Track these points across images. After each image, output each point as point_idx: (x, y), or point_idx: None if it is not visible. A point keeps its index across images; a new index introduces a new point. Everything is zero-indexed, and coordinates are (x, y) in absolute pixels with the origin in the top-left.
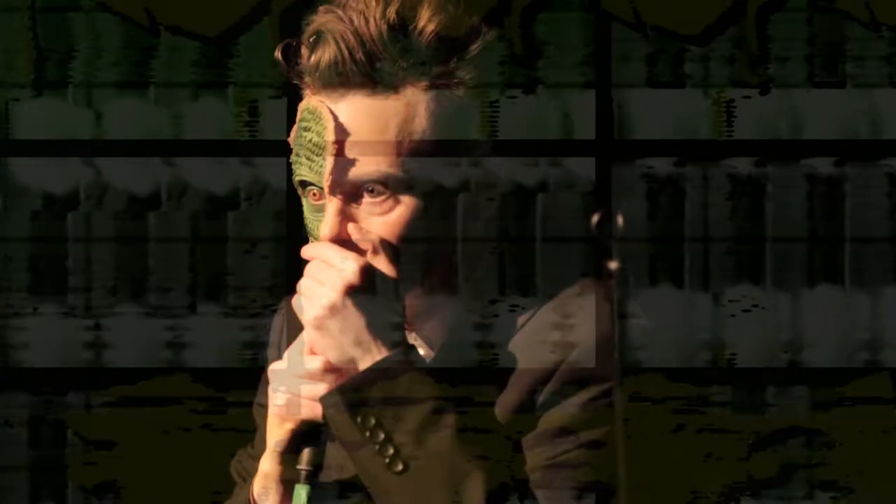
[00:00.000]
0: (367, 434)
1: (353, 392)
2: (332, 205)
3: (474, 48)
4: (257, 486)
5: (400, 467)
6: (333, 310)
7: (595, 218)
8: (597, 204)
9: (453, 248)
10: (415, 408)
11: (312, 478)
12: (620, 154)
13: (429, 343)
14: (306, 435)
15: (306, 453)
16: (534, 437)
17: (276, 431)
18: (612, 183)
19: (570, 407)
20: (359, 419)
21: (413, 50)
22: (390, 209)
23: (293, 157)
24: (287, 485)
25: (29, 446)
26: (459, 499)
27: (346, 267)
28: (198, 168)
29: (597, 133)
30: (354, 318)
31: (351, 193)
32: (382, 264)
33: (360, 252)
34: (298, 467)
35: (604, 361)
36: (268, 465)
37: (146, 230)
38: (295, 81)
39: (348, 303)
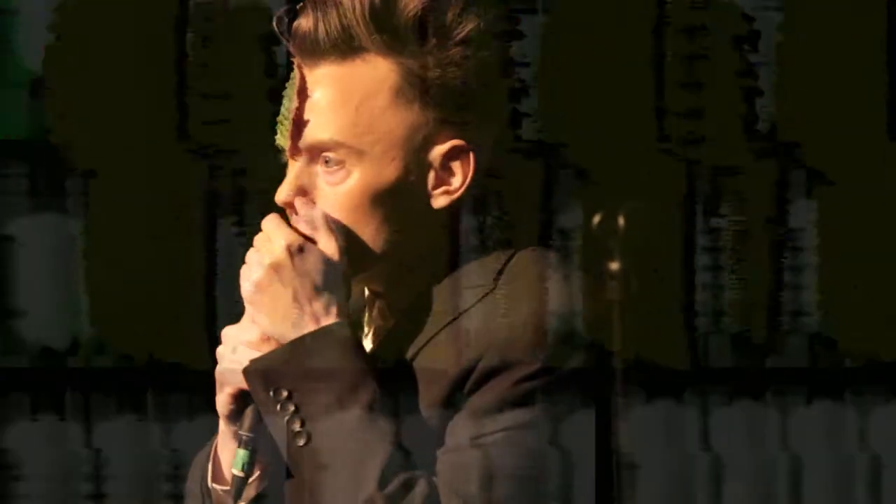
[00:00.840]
0: (279, 406)
1: (269, 365)
2: (291, 170)
3: (456, 40)
4: (218, 442)
5: (302, 441)
6: (259, 286)
7: (596, 218)
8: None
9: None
10: (330, 384)
11: (251, 443)
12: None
13: (392, 310)
14: (246, 400)
15: (246, 418)
16: (456, 421)
17: (219, 395)
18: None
19: (492, 391)
20: (272, 392)
21: (389, 25)
22: (342, 181)
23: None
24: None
25: None
26: (358, 477)
27: (275, 243)
28: None
29: None
30: (281, 294)
31: (309, 160)
32: (323, 238)
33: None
34: (239, 431)
35: (528, 345)
36: (221, 424)
37: None
38: (291, 51)
39: (275, 279)
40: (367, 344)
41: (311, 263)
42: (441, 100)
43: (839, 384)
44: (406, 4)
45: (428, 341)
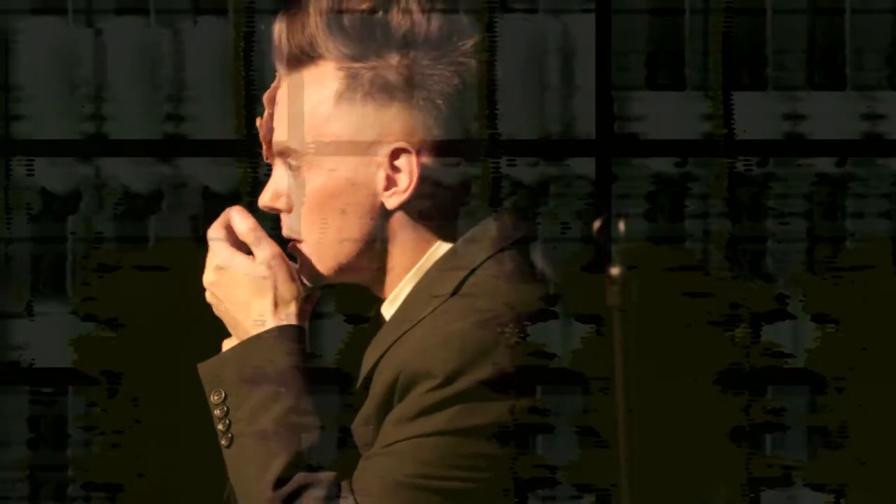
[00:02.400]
0: (216, 410)
1: (209, 368)
2: (273, 175)
3: (400, 43)
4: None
5: (224, 442)
6: (209, 285)
7: (597, 223)
8: (598, 208)
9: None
10: (260, 387)
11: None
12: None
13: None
14: None
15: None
16: (381, 429)
17: None
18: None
19: (408, 400)
20: (213, 395)
21: (340, 30)
22: (303, 184)
23: None
24: None
25: None
26: (259, 478)
27: (207, 264)
28: None
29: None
30: (222, 309)
31: (281, 165)
32: (256, 247)
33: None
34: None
35: (443, 357)
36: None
37: None
38: None
39: (213, 295)
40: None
41: (238, 278)
42: (385, 102)
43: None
44: (355, 7)
45: (387, 350)
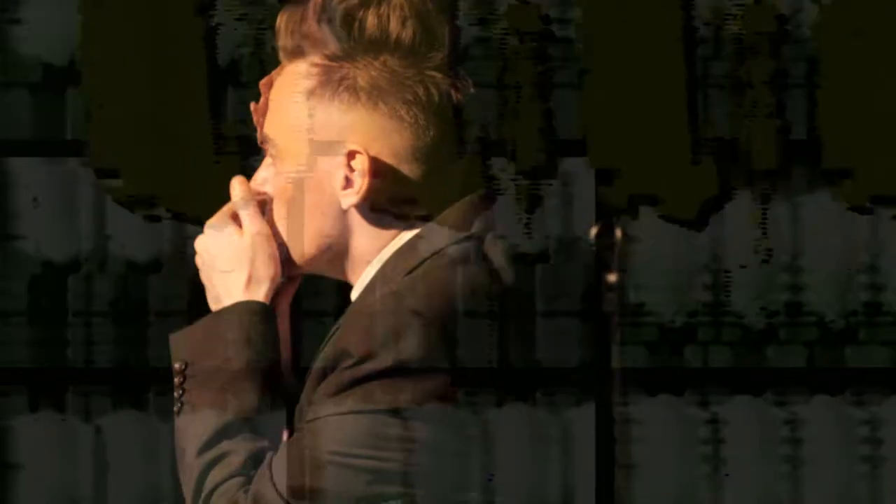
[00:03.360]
0: (175, 379)
1: (176, 338)
2: (264, 160)
3: (370, 42)
4: None
5: (175, 410)
6: (199, 244)
7: (594, 230)
8: (597, 216)
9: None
10: (212, 358)
11: None
12: None
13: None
14: None
15: None
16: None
17: None
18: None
19: (328, 381)
20: (176, 364)
21: (320, 26)
22: (276, 174)
23: None
24: None
25: None
26: (188, 444)
27: (220, 210)
28: None
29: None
30: (209, 259)
31: (265, 147)
32: (244, 218)
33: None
34: None
35: (360, 338)
36: None
37: None
38: None
39: (207, 243)
40: None
41: (223, 244)
42: (350, 104)
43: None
44: (339, 6)
45: (333, 334)
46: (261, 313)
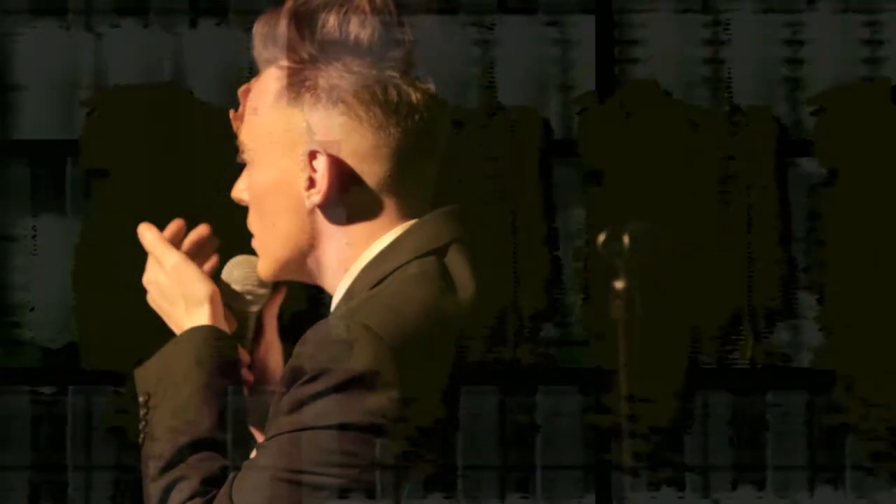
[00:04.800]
0: (140, 411)
1: (139, 372)
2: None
3: (330, 45)
4: None
5: (140, 441)
6: (147, 297)
7: (601, 236)
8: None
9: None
10: (166, 387)
11: None
12: None
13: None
14: None
15: None
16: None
17: None
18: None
19: (284, 397)
20: (141, 398)
21: (287, 31)
22: (249, 178)
23: None
24: None
25: None
26: (148, 470)
27: (149, 260)
28: None
29: None
30: (156, 306)
31: (243, 155)
32: (163, 258)
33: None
34: None
35: (312, 353)
36: None
37: None
38: None
39: (149, 293)
40: None
41: (158, 288)
42: (311, 105)
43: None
44: (308, 10)
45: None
46: (207, 335)
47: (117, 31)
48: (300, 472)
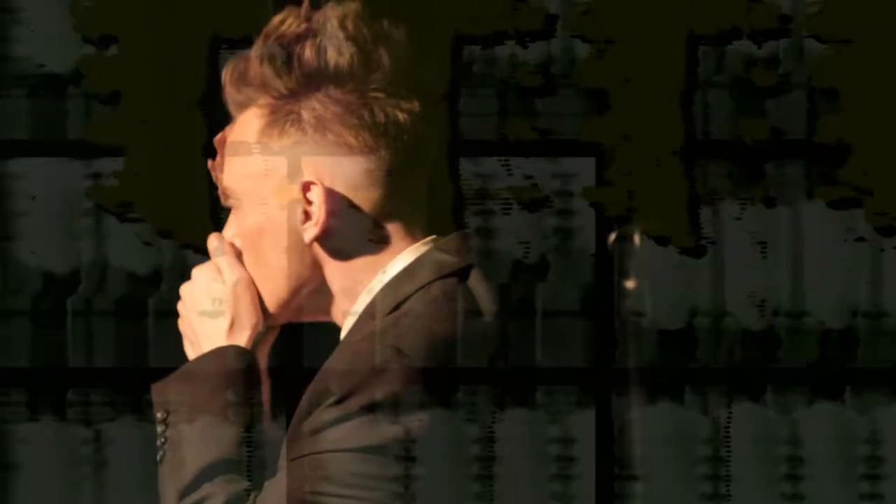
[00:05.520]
0: (158, 428)
1: (156, 389)
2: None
3: (312, 77)
4: None
5: (158, 458)
6: (184, 289)
7: (611, 236)
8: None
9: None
10: (193, 404)
11: None
12: None
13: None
14: None
15: None
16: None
17: None
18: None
19: (311, 418)
20: (159, 414)
21: (269, 67)
22: (237, 223)
23: None
24: None
25: None
26: (166, 493)
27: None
28: None
29: None
30: (192, 304)
31: (227, 201)
32: (223, 265)
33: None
34: None
35: (343, 373)
36: None
37: None
38: None
39: (191, 289)
40: None
41: (206, 291)
42: (299, 138)
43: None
44: (282, 42)
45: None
46: (244, 357)
47: None
48: (327, 494)
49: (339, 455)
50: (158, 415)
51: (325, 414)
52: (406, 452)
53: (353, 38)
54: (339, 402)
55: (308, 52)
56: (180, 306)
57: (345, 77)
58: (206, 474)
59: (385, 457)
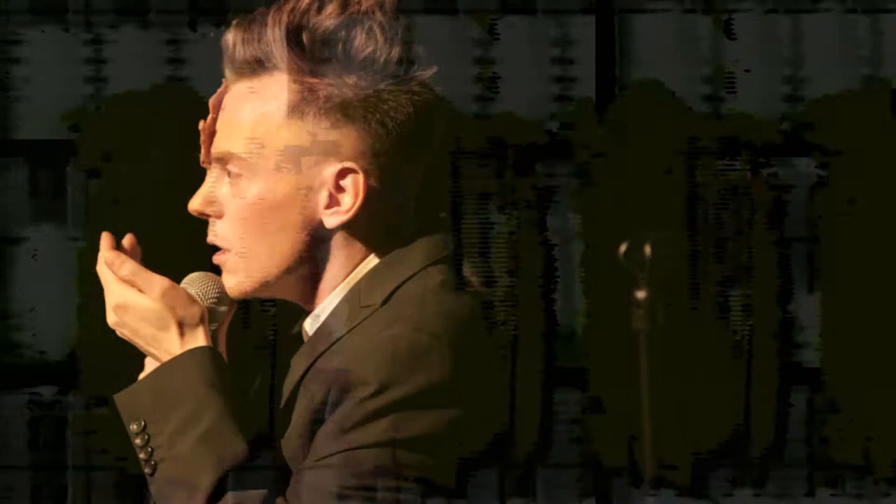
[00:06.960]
0: (136, 440)
1: (126, 398)
2: (206, 180)
3: (358, 63)
4: None
5: (148, 470)
6: (115, 325)
7: (623, 247)
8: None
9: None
10: (176, 412)
11: None
12: None
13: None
14: None
15: None
16: (314, 443)
17: None
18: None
19: (339, 413)
20: (132, 425)
21: (300, 44)
22: (241, 193)
23: None
24: None
25: None
26: (194, 498)
27: (106, 300)
28: None
29: None
30: (133, 333)
31: (220, 170)
32: (145, 287)
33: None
34: None
35: (372, 368)
36: None
37: None
38: None
39: (120, 326)
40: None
41: (139, 314)
42: (338, 121)
43: None
44: (317, 25)
45: (314, 362)
46: (210, 356)
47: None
48: (371, 489)
49: (383, 448)
50: (133, 426)
51: (362, 407)
52: (448, 440)
53: (381, 26)
54: (378, 392)
55: (334, 35)
56: (120, 334)
57: (368, 63)
58: (224, 482)
59: (427, 445)
